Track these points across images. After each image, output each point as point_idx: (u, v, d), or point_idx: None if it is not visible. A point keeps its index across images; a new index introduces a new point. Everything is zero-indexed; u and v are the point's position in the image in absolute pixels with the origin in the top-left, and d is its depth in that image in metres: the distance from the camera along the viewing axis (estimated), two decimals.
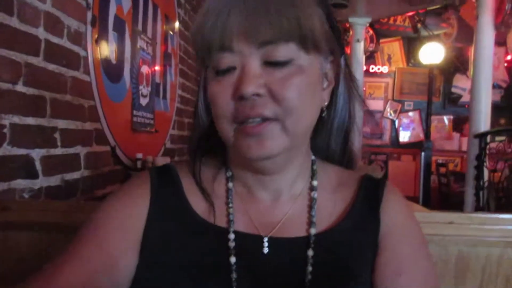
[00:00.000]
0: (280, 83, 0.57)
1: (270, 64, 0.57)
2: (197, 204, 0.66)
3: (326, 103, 0.66)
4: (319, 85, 0.63)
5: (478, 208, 3.84)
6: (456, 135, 7.18)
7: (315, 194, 0.67)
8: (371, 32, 7.00)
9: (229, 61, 0.58)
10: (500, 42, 5.71)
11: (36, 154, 1.48)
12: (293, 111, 0.57)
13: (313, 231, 0.63)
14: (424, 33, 6.41)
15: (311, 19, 0.57)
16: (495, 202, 3.79)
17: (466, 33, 6.56)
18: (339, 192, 0.69)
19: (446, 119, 7.27)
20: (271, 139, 0.58)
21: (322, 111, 0.65)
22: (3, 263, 0.99)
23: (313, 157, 0.70)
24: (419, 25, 6.37)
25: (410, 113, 7.33)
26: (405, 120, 7.35)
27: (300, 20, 0.56)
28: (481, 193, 3.85)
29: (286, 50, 0.57)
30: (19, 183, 1.39)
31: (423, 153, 5.93)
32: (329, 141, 0.71)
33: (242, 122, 0.58)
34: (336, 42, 0.64)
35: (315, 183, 0.68)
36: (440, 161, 6.31)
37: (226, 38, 0.56)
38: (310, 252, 0.61)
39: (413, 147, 7.02)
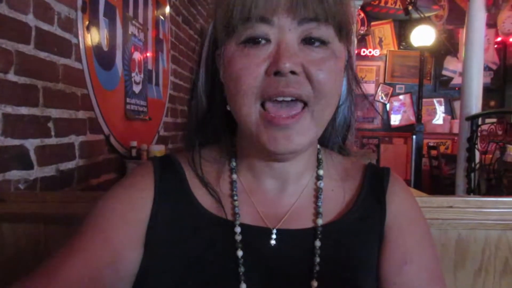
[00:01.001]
0: (317, 65, 0.56)
1: (309, 42, 0.56)
2: (202, 196, 0.65)
3: None
4: (343, 72, 0.63)
5: (469, 190, 3.89)
6: (447, 117, 7.23)
7: (321, 184, 0.67)
8: (362, 15, 6.97)
9: (265, 33, 0.55)
10: (490, 23, 5.73)
11: (30, 144, 1.46)
12: (325, 95, 0.56)
13: (320, 222, 0.63)
14: (415, 15, 6.39)
15: (350, 7, 0.57)
16: (485, 184, 3.84)
17: (457, 15, 6.57)
18: (345, 182, 0.69)
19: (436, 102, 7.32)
20: (300, 134, 0.56)
21: None
22: (0, 255, 0.99)
23: (318, 146, 0.70)
24: (410, 7, 6.34)
25: (401, 97, 7.35)
26: (396, 104, 7.37)
27: (343, 6, 0.56)
28: (472, 175, 3.90)
29: (326, 32, 0.56)
30: (14, 174, 1.37)
31: (414, 136, 5.96)
32: (332, 132, 0.71)
33: (269, 99, 0.56)
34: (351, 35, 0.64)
35: (321, 172, 0.68)
36: (431, 144, 6.36)
37: (268, 10, 0.54)
38: (318, 243, 0.61)
39: (405, 130, 7.06)
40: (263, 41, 0.55)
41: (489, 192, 3.74)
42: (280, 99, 0.55)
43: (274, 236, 0.61)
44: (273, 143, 0.56)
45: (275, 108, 0.56)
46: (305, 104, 0.56)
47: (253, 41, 0.56)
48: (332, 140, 0.72)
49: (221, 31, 0.59)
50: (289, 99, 0.55)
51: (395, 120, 7.37)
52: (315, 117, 0.57)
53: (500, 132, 3.83)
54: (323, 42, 0.56)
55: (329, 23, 0.55)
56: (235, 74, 0.57)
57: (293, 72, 0.54)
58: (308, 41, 0.56)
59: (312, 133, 0.58)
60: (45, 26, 1.54)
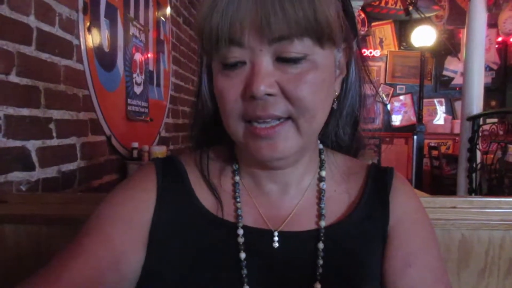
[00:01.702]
0: (294, 82, 0.54)
1: (283, 60, 0.54)
2: (204, 198, 0.64)
3: (337, 93, 0.64)
4: (332, 77, 0.61)
5: (470, 190, 3.88)
6: (448, 117, 7.23)
7: (323, 185, 0.66)
8: (362, 15, 6.97)
9: (238, 56, 0.54)
10: (491, 23, 5.73)
11: (32, 145, 1.46)
12: (307, 110, 0.55)
13: (323, 223, 0.63)
14: (415, 15, 6.39)
15: (328, 11, 0.53)
16: (487, 184, 3.84)
17: (458, 15, 6.57)
18: (348, 183, 0.68)
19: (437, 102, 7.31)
20: (284, 141, 0.56)
21: (332, 101, 0.63)
22: (1, 257, 0.98)
23: (320, 146, 0.69)
24: (410, 8, 6.35)
25: (401, 97, 7.34)
26: (396, 104, 7.37)
27: (317, 14, 0.52)
28: (473, 175, 3.89)
29: (301, 46, 0.53)
30: (16, 176, 1.37)
31: (415, 136, 5.96)
32: (338, 130, 0.69)
33: (251, 121, 0.56)
34: (350, 30, 0.61)
35: (323, 173, 0.67)
36: (432, 144, 6.36)
37: (236, 32, 0.52)
38: (321, 245, 0.61)
39: (405, 130, 7.05)
40: (238, 64, 0.55)
41: (491, 192, 3.74)
42: (260, 121, 0.55)
43: (276, 239, 0.61)
44: (258, 153, 0.56)
45: (259, 124, 0.56)
46: (289, 117, 0.56)
47: (228, 66, 0.55)
48: (340, 134, 0.70)
49: (202, 52, 0.60)
50: (269, 119, 0.55)
51: (396, 120, 7.36)
52: (300, 128, 0.56)
53: (501, 132, 3.81)
54: (299, 59, 0.54)
55: (302, 36, 0.53)
56: (219, 94, 0.58)
57: (269, 94, 0.53)
58: (281, 60, 0.54)
59: (298, 142, 0.57)
60: (46, 27, 1.54)
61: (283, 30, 0.51)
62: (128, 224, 0.60)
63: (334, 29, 0.55)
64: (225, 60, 0.55)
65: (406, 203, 0.66)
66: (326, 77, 0.57)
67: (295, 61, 0.54)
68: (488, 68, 6.54)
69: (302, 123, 0.56)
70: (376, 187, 0.67)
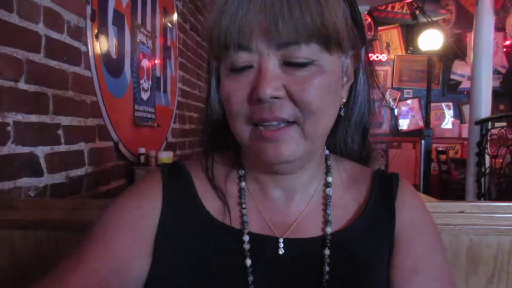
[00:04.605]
0: (300, 85, 0.54)
1: (290, 64, 0.54)
2: (210, 204, 0.64)
3: (344, 100, 0.64)
4: (339, 83, 0.60)
5: (479, 195, 3.85)
6: (455, 121, 7.17)
7: (330, 191, 0.66)
8: (369, 20, 6.97)
9: (246, 60, 0.55)
10: (498, 27, 5.69)
11: (40, 151, 1.47)
12: (313, 114, 0.55)
13: (329, 230, 0.62)
14: (422, 19, 6.37)
15: (336, 16, 0.53)
16: (496, 189, 3.80)
17: (465, 19, 6.54)
18: (353, 189, 0.68)
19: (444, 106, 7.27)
20: (289, 144, 0.56)
21: (340, 108, 0.63)
22: (10, 262, 0.99)
23: (326, 152, 0.69)
24: (417, 12, 6.33)
25: (409, 101, 7.31)
26: (404, 108, 7.34)
27: (324, 19, 0.52)
28: (482, 179, 3.85)
29: (308, 51, 0.53)
30: (25, 181, 1.39)
31: (423, 141, 5.92)
32: (346, 138, 0.69)
33: (258, 124, 0.56)
34: (358, 36, 0.61)
35: (329, 179, 0.67)
36: (440, 148, 6.31)
37: (244, 37, 0.53)
38: (327, 252, 0.60)
39: (413, 135, 7.01)
40: (246, 68, 0.55)
41: (500, 197, 3.70)
42: (266, 123, 0.55)
43: (282, 245, 0.61)
44: (264, 154, 0.56)
45: (264, 127, 0.56)
46: (294, 122, 0.56)
47: (236, 70, 0.56)
48: (348, 143, 0.70)
49: (211, 56, 0.60)
50: (275, 122, 0.55)
51: (403, 124, 7.32)
52: (305, 132, 0.56)
53: (510, 136, 3.78)
54: (305, 64, 0.54)
55: (310, 42, 0.53)
56: (225, 97, 0.58)
57: (275, 97, 0.53)
58: (288, 64, 0.54)
59: (303, 146, 0.57)
60: (55, 35, 1.56)
61: (290, 35, 0.52)
62: (133, 230, 0.60)
63: (341, 34, 0.55)
64: (233, 65, 0.55)
65: (412, 210, 0.66)
66: (333, 82, 0.57)
67: (301, 65, 0.54)
68: (496, 72, 6.49)
69: (308, 127, 0.56)
70: (382, 194, 0.66)
